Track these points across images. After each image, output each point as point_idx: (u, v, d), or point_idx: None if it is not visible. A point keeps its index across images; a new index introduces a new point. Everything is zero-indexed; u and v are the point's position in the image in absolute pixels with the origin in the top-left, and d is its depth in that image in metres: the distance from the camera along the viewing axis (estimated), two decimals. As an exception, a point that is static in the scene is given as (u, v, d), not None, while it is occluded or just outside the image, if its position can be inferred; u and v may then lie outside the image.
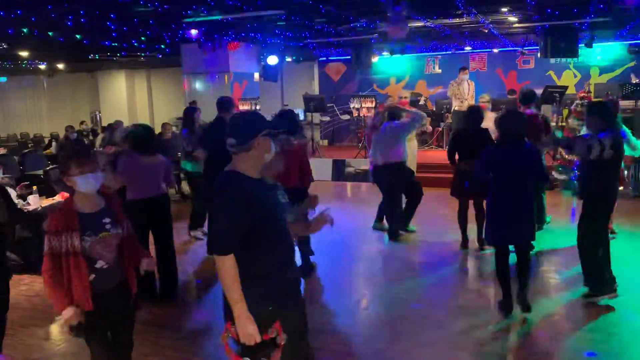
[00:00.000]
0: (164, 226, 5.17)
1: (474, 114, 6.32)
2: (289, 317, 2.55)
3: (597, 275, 4.65)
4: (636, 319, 4.40)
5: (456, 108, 11.52)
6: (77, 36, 9.92)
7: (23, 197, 6.51)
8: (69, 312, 2.82)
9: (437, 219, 7.46)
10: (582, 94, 10.96)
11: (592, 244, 4.65)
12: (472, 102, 10.99)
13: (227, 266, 2.39)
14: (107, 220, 2.97)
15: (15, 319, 4.69)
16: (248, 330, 2.37)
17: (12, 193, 6.61)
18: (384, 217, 7.22)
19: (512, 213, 4.36)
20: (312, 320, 4.70)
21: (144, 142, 5.01)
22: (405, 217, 6.99)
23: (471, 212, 6.26)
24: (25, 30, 8.92)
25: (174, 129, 12.63)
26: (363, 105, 12.64)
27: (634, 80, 12.14)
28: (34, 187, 6.53)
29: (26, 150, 11.55)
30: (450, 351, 4.03)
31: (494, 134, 6.46)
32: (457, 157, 6.21)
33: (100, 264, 2.94)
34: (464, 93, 11.44)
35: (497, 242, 4.57)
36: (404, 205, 7.04)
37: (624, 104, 10.17)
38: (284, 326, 2.47)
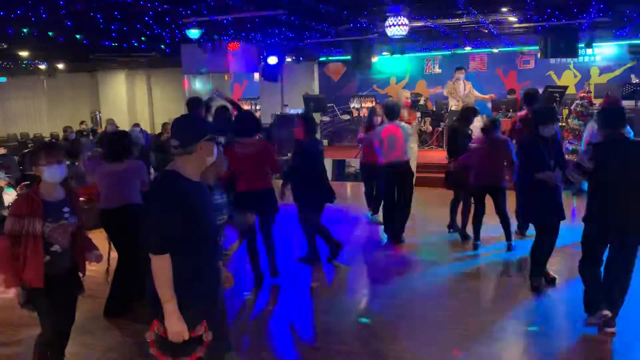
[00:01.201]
0: (132, 238, 4.69)
1: (464, 113, 6.83)
2: (213, 315, 2.66)
3: (590, 296, 4.32)
4: (636, 320, 4.40)
5: (453, 108, 11.54)
6: (77, 36, 9.90)
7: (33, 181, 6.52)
8: (16, 292, 3.23)
9: (437, 218, 7.45)
10: (582, 94, 10.96)
11: (582, 265, 4.34)
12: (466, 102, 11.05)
13: (162, 265, 2.43)
14: (66, 209, 3.30)
15: (15, 319, 4.69)
16: (178, 328, 2.44)
17: (12, 193, 6.63)
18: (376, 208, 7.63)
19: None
20: (312, 320, 4.73)
21: (111, 149, 4.81)
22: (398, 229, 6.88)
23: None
24: (25, 30, 8.91)
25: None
26: (363, 105, 12.66)
27: (634, 80, 12.13)
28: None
29: (26, 150, 11.54)
30: (450, 352, 4.03)
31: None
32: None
33: (55, 247, 3.26)
34: (459, 92, 11.45)
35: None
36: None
37: (623, 104, 10.16)
38: (208, 324, 2.57)
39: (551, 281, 5.20)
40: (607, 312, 4.10)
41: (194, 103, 6.47)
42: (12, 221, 3.15)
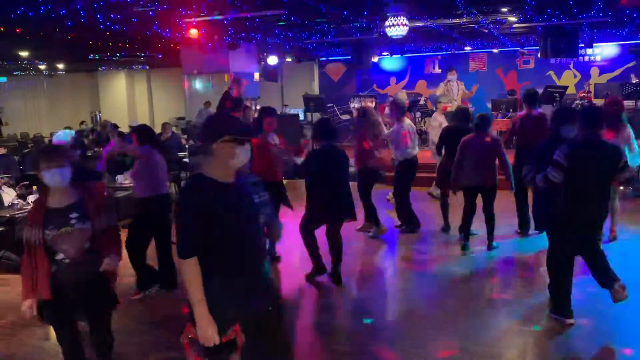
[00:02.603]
0: (168, 222, 5.22)
1: (461, 113, 6.77)
2: (251, 319, 2.53)
3: (555, 294, 4.41)
4: (636, 320, 4.40)
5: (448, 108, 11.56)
6: (77, 36, 9.92)
7: (23, 197, 6.51)
8: (26, 304, 3.04)
9: (437, 218, 7.45)
10: (582, 94, 10.96)
11: (551, 263, 4.39)
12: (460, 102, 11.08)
13: (188, 269, 2.41)
14: (74, 215, 3.05)
15: (16, 319, 4.69)
16: (207, 332, 2.38)
17: (12, 193, 6.62)
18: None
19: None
20: (312, 321, 4.73)
21: (156, 140, 5.17)
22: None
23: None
24: (25, 30, 8.93)
25: (173, 128, 12.65)
26: (363, 105, 12.63)
27: (634, 80, 12.14)
28: (34, 187, 6.52)
29: (26, 150, 11.53)
30: (451, 351, 4.03)
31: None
32: (443, 151, 6.78)
33: (60, 256, 3.04)
34: (452, 93, 11.45)
35: None
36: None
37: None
38: (245, 328, 2.48)
39: None
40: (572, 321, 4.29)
41: (235, 103, 6.60)
42: (24, 230, 3.07)
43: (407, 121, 7.01)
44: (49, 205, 3.07)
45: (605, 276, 4.22)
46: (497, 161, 6.05)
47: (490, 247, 6.19)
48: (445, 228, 7.00)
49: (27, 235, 3.03)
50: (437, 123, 8.29)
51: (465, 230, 6.30)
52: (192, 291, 2.40)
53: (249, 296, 2.52)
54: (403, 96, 11.03)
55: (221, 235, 2.42)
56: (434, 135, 8.34)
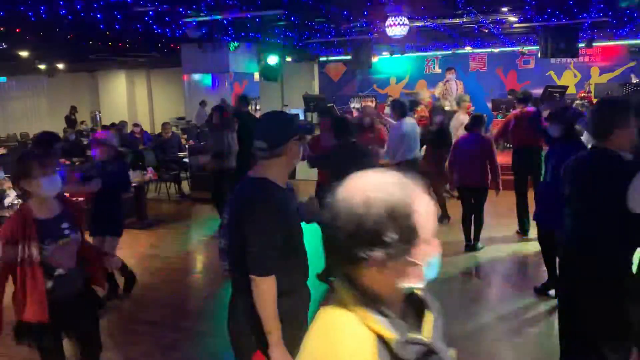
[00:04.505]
0: None
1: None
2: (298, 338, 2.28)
3: None
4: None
5: (447, 107, 11.54)
6: (77, 36, 9.93)
7: (23, 197, 6.51)
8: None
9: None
10: (582, 94, 10.95)
11: None
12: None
13: (269, 288, 2.14)
14: (65, 225, 2.80)
15: (16, 318, 4.67)
16: None
17: (12, 193, 6.61)
18: None
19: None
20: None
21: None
22: None
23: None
24: (24, 30, 8.93)
25: (173, 128, 12.66)
26: (363, 105, 12.64)
27: (634, 80, 12.15)
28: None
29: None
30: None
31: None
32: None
33: (58, 271, 2.78)
34: (451, 93, 11.48)
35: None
36: None
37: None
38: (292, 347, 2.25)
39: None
40: None
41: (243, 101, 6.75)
42: (5, 247, 2.68)
43: (409, 121, 6.74)
44: (36, 216, 2.74)
45: None
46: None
47: (473, 247, 6.18)
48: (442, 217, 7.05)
49: (10, 253, 2.65)
50: (459, 123, 7.89)
51: (465, 231, 6.30)
52: (270, 315, 2.13)
53: (305, 312, 2.33)
54: (426, 95, 10.74)
55: (289, 245, 2.23)
56: (456, 137, 8.21)
